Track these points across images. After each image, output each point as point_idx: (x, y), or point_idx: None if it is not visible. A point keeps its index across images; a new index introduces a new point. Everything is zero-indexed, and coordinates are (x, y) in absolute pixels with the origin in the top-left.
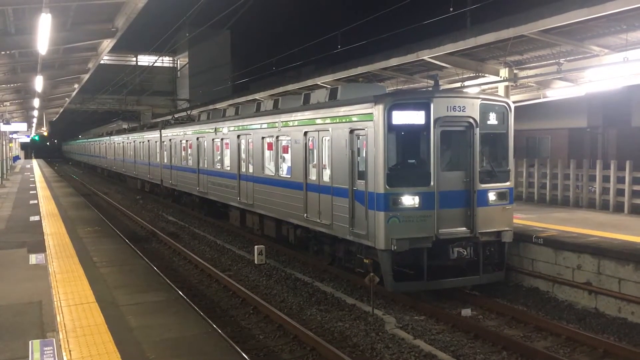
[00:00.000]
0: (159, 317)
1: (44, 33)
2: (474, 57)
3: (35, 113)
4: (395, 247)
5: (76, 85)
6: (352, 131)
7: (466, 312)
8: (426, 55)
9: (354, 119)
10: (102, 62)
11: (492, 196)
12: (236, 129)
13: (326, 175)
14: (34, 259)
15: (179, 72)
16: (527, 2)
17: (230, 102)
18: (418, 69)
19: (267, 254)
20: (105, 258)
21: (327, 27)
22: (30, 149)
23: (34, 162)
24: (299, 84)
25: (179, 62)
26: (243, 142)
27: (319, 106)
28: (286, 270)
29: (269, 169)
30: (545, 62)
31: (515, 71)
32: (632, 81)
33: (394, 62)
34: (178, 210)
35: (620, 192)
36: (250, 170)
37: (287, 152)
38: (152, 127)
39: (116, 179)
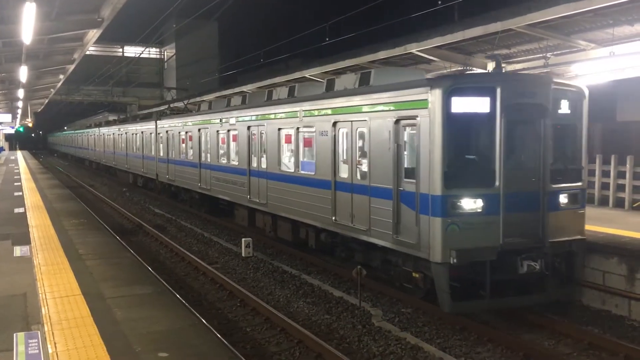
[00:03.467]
0: (146, 310)
1: (28, 23)
2: (461, 50)
3: (20, 104)
4: (454, 260)
5: (61, 76)
6: (397, 121)
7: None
8: (414, 49)
9: (401, 106)
10: (87, 52)
11: (563, 199)
12: (246, 119)
13: (362, 172)
14: (18, 251)
15: (166, 64)
16: None
17: (237, 89)
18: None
19: (254, 247)
20: (91, 250)
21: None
22: (15, 141)
23: (19, 154)
24: (286, 77)
25: (166, 53)
26: (255, 133)
27: (350, 93)
28: (273, 263)
29: (287, 165)
30: (532, 56)
31: (502, 65)
32: (617, 76)
33: (382, 55)
34: (165, 202)
35: (620, 188)
36: (264, 165)
37: (311, 146)
38: (145, 117)
39: (105, 172)
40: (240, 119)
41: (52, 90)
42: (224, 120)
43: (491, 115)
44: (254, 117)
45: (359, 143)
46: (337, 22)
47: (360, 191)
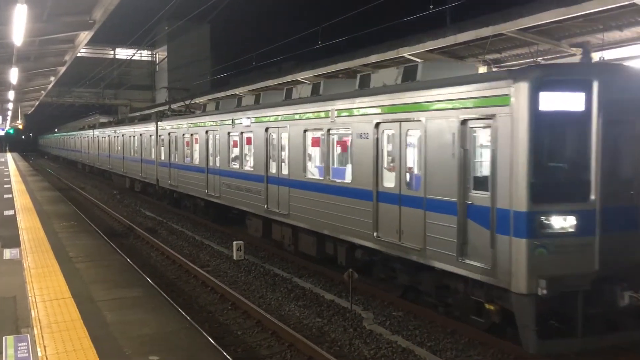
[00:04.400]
0: (136, 313)
1: (19, 24)
2: (453, 54)
3: (10, 106)
4: (543, 291)
5: (52, 78)
6: (464, 122)
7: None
8: (406, 53)
9: (469, 104)
10: (79, 54)
11: None
12: (264, 120)
13: (414, 182)
14: (8, 253)
15: (157, 66)
16: (507, 1)
17: (249, 87)
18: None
19: (245, 250)
20: (82, 253)
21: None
22: (5, 142)
23: (9, 156)
24: (279, 79)
25: (157, 55)
26: (274, 136)
27: (397, 89)
28: (265, 266)
29: (315, 172)
30: (523, 61)
31: (493, 69)
32: None
33: (374, 58)
34: (156, 205)
35: None
36: (285, 172)
37: (346, 150)
38: (144, 119)
39: (99, 176)
40: (256, 120)
41: (43, 92)
42: (236, 122)
43: (586, 114)
44: (273, 118)
45: (411, 147)
46: (329, 26)
47: (411, 204)
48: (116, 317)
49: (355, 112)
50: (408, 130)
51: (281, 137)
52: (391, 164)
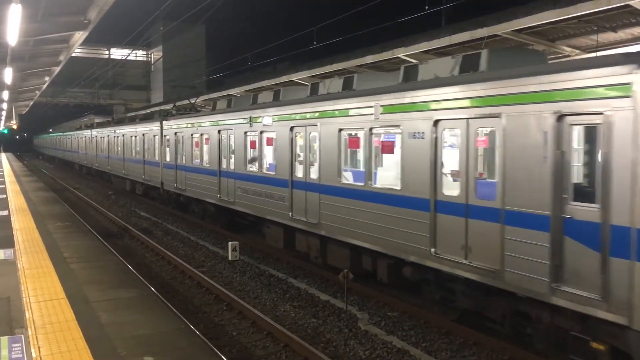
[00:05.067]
0: (131, 314)
1: (13, 24)
2: (449, 55)
3: (4, 106)
4: None
5: (47, 78)
6: (561, 117)
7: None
8: (401, 53)
9: (570, 96)
10: (73, 54)
11: None
12: (288, 118)
13: (488, 190)
14: (2, 254)
15: (152, 66)
16: (502, 2)
17: (269, 82)
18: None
19: (240, 251)
20: (76, 254)
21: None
22: None
23: (3, 156)
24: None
25: (152, 56)
26: (300, 136)
27: (453, 81)
28: (260, 267)
29: (351, 176)
30: None
31: None
32: None
33: (369, 59)
34: (151, 206)
35: None
36: (314, 176)
37: (393, 152)
38: (146, 118)
39: (97, 178)
40: (279, 118)
41: (37, 92)
42: (254, 120)
43: None
44: (299, 116)
45: (482, 148)
46: (325, 26)
47: (483, 216)
48: (111, 318)
49: (408, 108)
50: (479, 128)
51: (310, 137)
52: (454, 169)
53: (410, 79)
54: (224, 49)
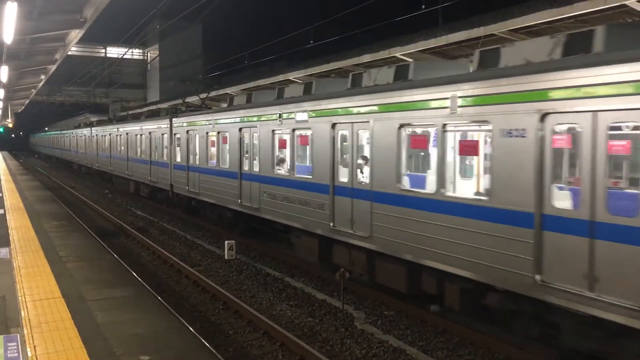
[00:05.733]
0: (127, 313)
1: (9, 22)
2: (445, 54)
3: (0, 104)
4: None
5: (43, 77)
6: None
7: (434, 307)
8: (398, 53)
9: None
10: (69, 53)
11: None
12: (328, 114)
13: (628, 203)
14: None
15: (149, 65)
16: (499, 1)
17: (308, 72)
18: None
19: (237, 250)
20: (72, 253)
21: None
22: None
23: None
24: (271, 79)
25: (149, 54)
26: (344, 134)
27: (575, 63)
28: (257, 266)
29: (415, 182)
30: None
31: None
32: None
33: (366, 58)
34: (147, 204)
35: None
36: (363, 181)
37: (477, 154)
38: (152, 115)
39: (97, 178)
40: (316, 114)
41: (33, 90)
42: (285, 116)
43: None
44: (342, 111)
45: (619, 149)
46: (322, 25)
47: (618, 237)
48: (107, 317)
49: (500, 99)
50: (615, 124)
51: (357, 136)
52: (571, 175)
53: (489, 65)
54: (221, 47)
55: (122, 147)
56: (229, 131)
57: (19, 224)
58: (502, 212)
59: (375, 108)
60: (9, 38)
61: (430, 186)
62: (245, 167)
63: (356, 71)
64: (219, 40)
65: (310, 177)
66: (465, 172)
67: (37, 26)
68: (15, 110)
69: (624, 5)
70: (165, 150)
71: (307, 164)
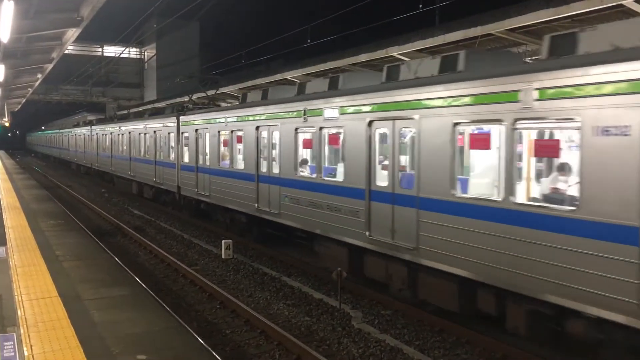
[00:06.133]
0: (124, 312)
1: (5, 21)
2: (442, 54)
3: None
4: None
5: (39, 75)
6: None
7: (432, 307)
8: (395, 52)
9: None
10: (66, 52)
11: None
12: (364, 110)
13: None
14: None
15: (146, 64)
16: (496, 1)
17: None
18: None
19: (234, 249)
20: (69, 252)
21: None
22: None
23: None
24: (267, 78)
25: (146, 53)
26: (383, 133)
27: None
28: (254, 265)
29: (478, 188)
30: None
31: None
32: None
33: (363, 57)
34: (144, 203)
35: None
36: (407, 186)
37: (557, 155)
38: (157, 113)
39: (97, 178)
40: (353, 110)
41: (29, 89)
42: (310, 113)
43: None
44: (378, 107)
45: None
46: (319, 25)
47: None
48: (103, 317)
49: (594, 90)
50: None
51: (397, 134)
52: None
53: (564, 53)
54: (218, 46)
55: (125, 147)
56: (244, 130)
57: (15, 223)
58: (594, 225)
59: (422, 103)
60: (5, 37)
61: (495, 192)
62: (263, 169)
63: (392, 63)
64: (216, 40)
65: (342, 180)
66: (542, 177)
67: (34, 25)
68: (11, 109)
69: (621, 5)
70: (171, 150)
71: (337, 166)
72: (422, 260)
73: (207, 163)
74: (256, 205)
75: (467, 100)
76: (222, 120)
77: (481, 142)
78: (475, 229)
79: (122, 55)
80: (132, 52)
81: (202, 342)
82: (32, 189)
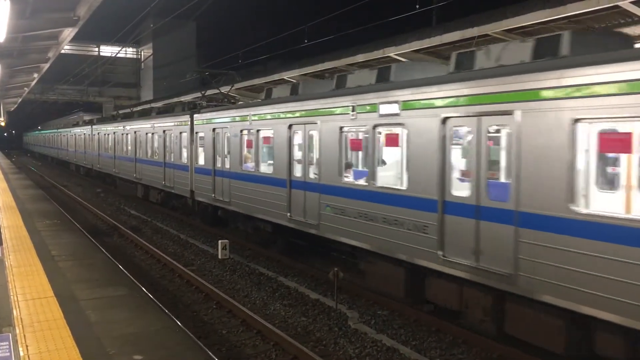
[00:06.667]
0: (120, 312)
1: (1, 20)
2: (439, 55)
3: None
4: None
5: (35, 75)
6: None
7: (429, 307)
8: (392, 52)
9: None
10: (63, 51)
11: None
12: (434, 105)
13: None
14: None
15: (142, 64)
16: (493, 1)
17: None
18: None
19: (230, 249)
20: (65, 252)
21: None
22: None
23: None
24: (265, 78)
25: (142, 53)
26: (463, 132)
27: None
28: (250, 265)
29: (599, 202)
30: None
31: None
32: None
33: (360, 58)
34: (140, 203)
35: None
36: (497, 198)
37: None
38: (166, 111)
39: (99, 180)
40: (420, 104)
41: (26, 89)
42: (361, 109)
43: None
44: (454, 101)
45: None
46: (316, 24)
47: None
48: (99, 317)
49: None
50: None
51: (485, 135)
52: None
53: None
54: (215, 46)
55: (130, 147)
56: (274, 129)
57: (10, 222)
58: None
59: (524, 95)
60: (1, 36)
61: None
62: (297, 173)
63: (463, 50)
64: (213, 39)
65: (405, 188)
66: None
67: (30, 24)
68: (7, 109)
69: (617, 7)
70: (184, 151)
71: (396, 172)
72: (523, 291)
73: (227, 166)
74: (288, 214)
75: (593, 90)
76: (246, 118)
77: (618, 144)
78: (601, 253)
79: (118, 55)
80: (128, 52)
81: (198, 342)
82: (28, 188)
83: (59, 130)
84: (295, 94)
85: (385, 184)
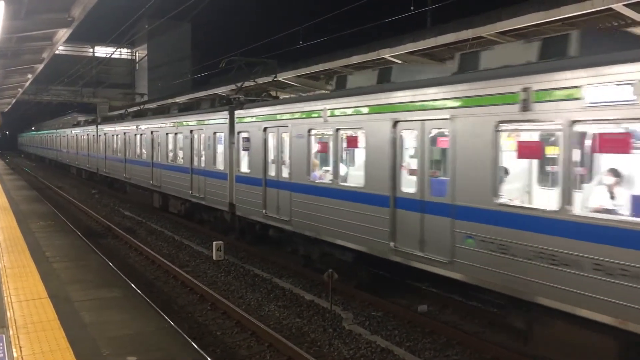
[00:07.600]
0: (115, 313)
1: None
2: (434, 57)
3: None
4: None
5: (30, 76)
6: None
7: (422, 308)
8: (387, 54)
9: None
10: (57, 52)
11: None
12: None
13: None
14: None
15: (137, 65)
16: (488, 3)
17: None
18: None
19: (225, 250)
20: (59, 253)
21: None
22: None
23: None
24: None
25: (137, 54)
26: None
27: None
28: (245, 267)
29: None
30: None
31: None
32: None
33: (355, 59)
34: (135, 204)
35: None
36: (620, 217)
37: None
38: (190, 108)
39: (99, 184)
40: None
41: (20, 89)
42: (535, 97)
43: None
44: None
45: None
46: (311, 26)
47: None
48: (94, 318)
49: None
50: None
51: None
52: None
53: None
54: (210, 47)
55: (145, 150)
56: (365, 128)
57: (4, 224)
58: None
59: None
60: None
61: None
62: (409, 189)
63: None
64: (207, 40)
65: (624, 220)
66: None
67: (25, 25)
68: (1, 110)
69: (611, 9)
70: (219, 155)
71: (554, 181)
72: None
73: (285, 175)
74: (392, 244)
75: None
76: (319, 113)
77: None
78: None
79: (113, 56)
80: (123, 53)
81: (192, 343)
82: (22, 189)
83: (58, 130)
84: (386, 81)
85: (543, 200)
